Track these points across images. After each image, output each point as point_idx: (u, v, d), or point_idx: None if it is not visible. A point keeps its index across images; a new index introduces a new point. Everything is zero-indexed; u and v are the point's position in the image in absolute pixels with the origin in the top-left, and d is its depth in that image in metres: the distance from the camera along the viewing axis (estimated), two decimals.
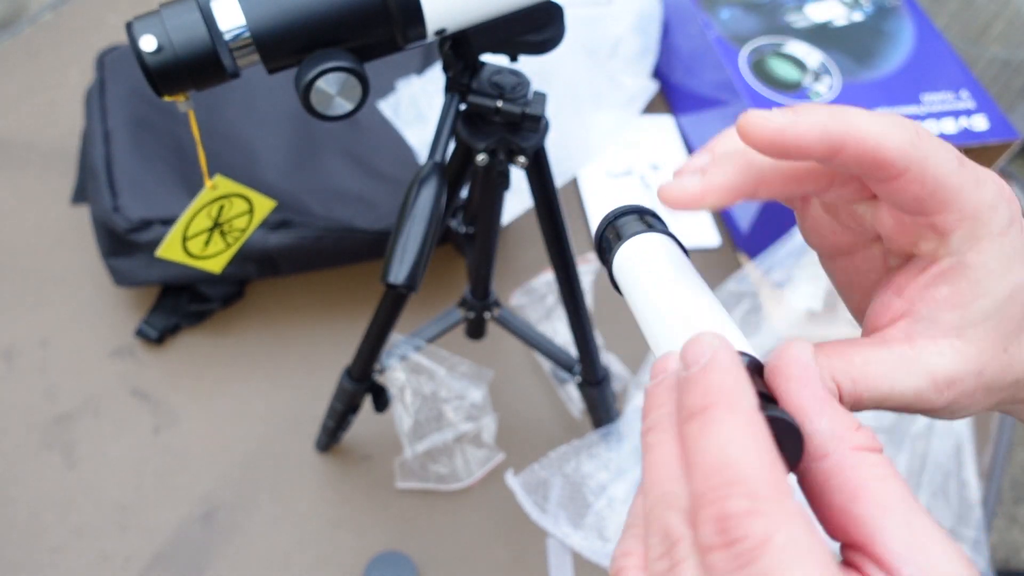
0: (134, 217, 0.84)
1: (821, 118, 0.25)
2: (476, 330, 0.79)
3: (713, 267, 1.00)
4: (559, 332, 0.92)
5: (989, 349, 0.27)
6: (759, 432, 0.21)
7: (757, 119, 0.25)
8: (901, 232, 0.28)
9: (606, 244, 0.34)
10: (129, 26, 0.43)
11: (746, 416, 0.21)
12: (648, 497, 0.22)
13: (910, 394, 0.26)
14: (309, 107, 0.46)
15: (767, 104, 0.94)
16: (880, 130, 0.25)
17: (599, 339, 0.91)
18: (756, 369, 0.26)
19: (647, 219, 0.34)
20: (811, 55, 0.99)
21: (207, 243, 0.57)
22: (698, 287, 0.30)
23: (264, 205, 0.57)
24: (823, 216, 0.32)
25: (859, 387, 0.26)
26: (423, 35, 0.46)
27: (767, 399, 0.24)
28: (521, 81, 0.53)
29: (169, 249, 0.56)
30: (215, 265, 0.58)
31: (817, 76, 0.97)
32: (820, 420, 0.23)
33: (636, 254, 0.32)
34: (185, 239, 0.55)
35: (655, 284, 0.30)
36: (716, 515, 0.20)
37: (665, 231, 0.33)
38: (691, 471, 0.21)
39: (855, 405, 0.26)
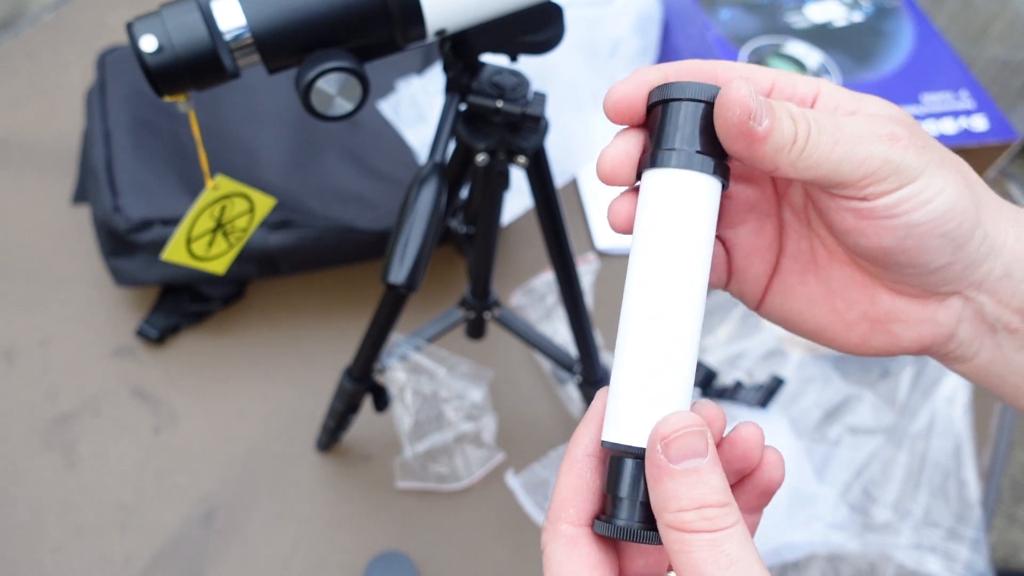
0: (134, 217, 0.84)
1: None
2: (476, 330, 0.79)
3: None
4: (559, 332, 0.92)
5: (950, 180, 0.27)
6: (571, 474, 0.29)
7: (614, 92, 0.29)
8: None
9: (658, 137, 0.28)
10: (130, 26, 0.43)
11: (569, 461, 0.29)
12: None
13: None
14: (309, 107, 0.46)
15: None
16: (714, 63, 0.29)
17: (599, 339, 0.91)
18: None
19: (705, 133, 0.27)
20: (811, 55, 0.99)
21: (211, 244, 0.57)
22: (697, 295, 0.28)
23: (264, 203, 0.57)
24: (739, 233, 0.33)
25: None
26: (423, 35, 0.46)
27: (620, 450, 0.28)
28: (521, 81, 0.53)
29: (174, 252, 0.56)
30: (219, 266, 0.59)
31: (817, 76, 0.97)
32: (652, 490, 0.26)
33: (674, 205, 0.27)
34: (189, 241, 0.56)
35: (667, 266, 0.27)
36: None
37: (723, 169, 0.28)
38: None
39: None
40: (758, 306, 0.33)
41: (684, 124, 0.27)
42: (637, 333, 0.27)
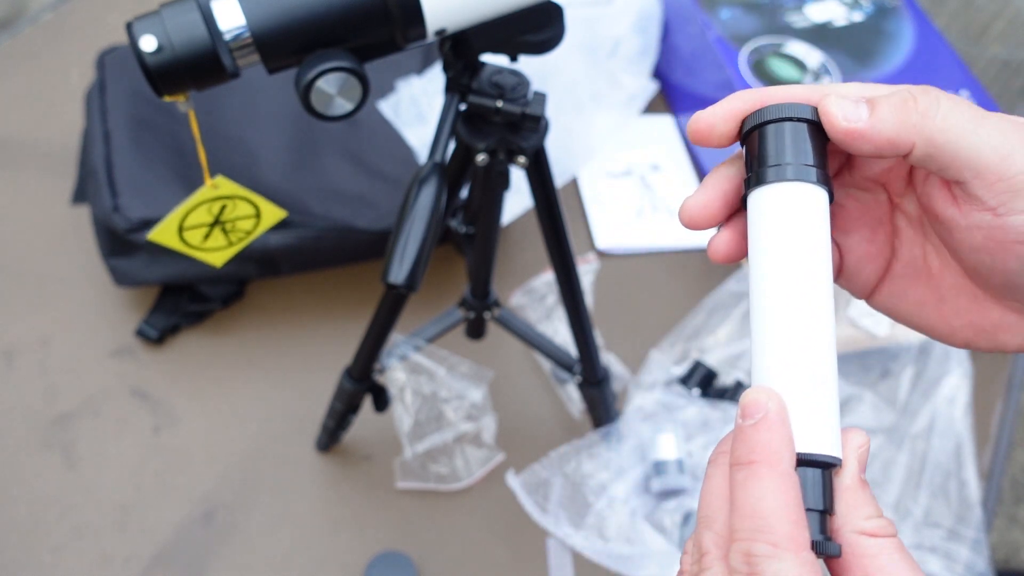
0: (134, 217, 0.84)
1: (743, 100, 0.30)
2: (476, 330, 0.79)
3: (713, 267, 1.00)
4: (559, 332, 0.92)
5: None
6: (790, 491, 0.25)
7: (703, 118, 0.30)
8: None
9: (761, 157, 0.29)
10: (129, 26, 0.43)
11: (781, 476, 0.26)
12: (697, 514, 0.28)
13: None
14: (309, 107, 0.46)
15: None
16: (785, 90, 0.30)
17: (599, 339, 0.91)
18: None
19: (805, 148, 0.29)
20: (811, 55, 0.99)
21: (206, 237, 0.57)
22: (825, 301, 0.28)
23: (273, 214, 0.57)
24: (852, 239, 0.33)
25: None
26: (423, 35, 0.46)
27: (809, 460, 0.27)
28: (521, 81, 0.53)
29: (162, 234, 0.55)
30: (215, 259, 0.59)
31: (817, 76, 0.97)
32: (836, 503, 0.26)
33: (789, 215, 0.28)
34: (182, 228, 0.55)
35: (787, 279, 0.28)
36: (745, 550, 0.25)
37: (827, 180, 0.29)
38: (732, 508, 0.26)
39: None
40: (866, 298, 0.34)
41: (787, 142, 0.29)
42: (797, 345, 0.27)
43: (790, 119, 0.29)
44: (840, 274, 0.33)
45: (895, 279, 0.33)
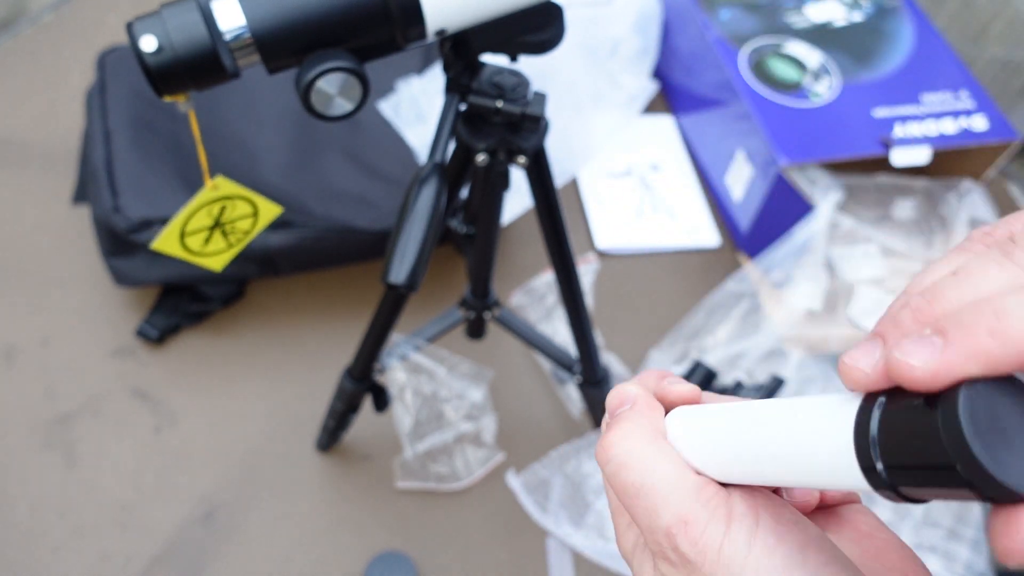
0: (134, 217, 0.84)
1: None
2: (476, 330, 0.79)
3: (713, 267, 1.00)
4: (559, 332, 0.92)
5: None
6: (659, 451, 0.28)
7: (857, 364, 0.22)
8: None
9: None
10: (130, 26, 0.43)
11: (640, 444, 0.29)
12: None
13: None
14: (309, 107, 0.46)
15: (766, 104, 0.94)
16: None
17: (599, 339, 0.91)
18: None
19: None
20: (811, 55, 0.99)
21: (207, 241, 0.57)
22: None
23: (269, 211, 0.57)
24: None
25: None
26: (423, 35, 0.46)
27: None
28: (521, 81, 0.53)
29: (165, 242, 0.55)
30: (215, 263, 0.58)
31: (817, 76, 0.97)
32: None
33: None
34: (183, 235, 0.55)
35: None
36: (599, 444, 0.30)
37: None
38: None
39: None
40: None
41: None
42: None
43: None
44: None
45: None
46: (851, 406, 0.22)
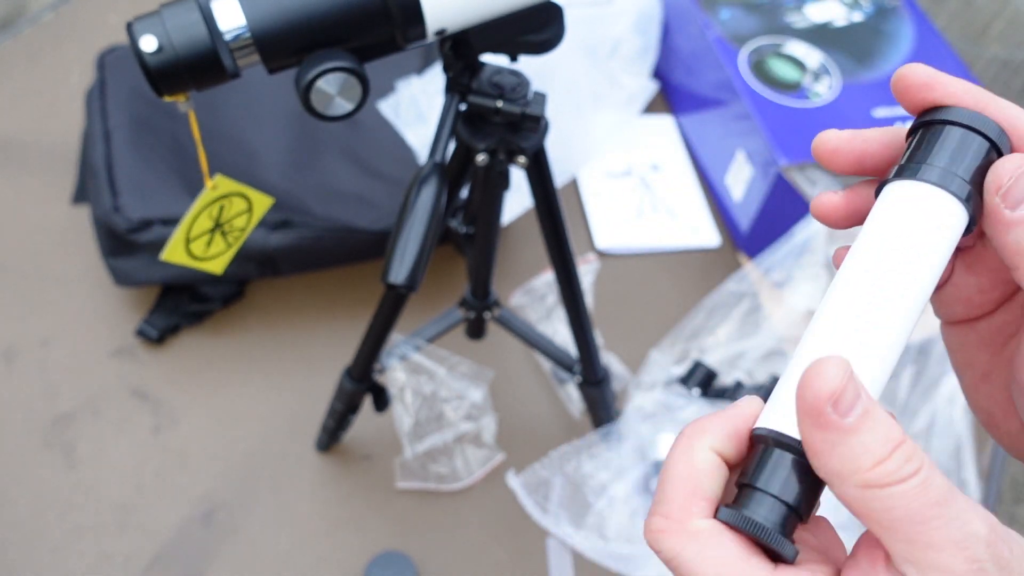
0: (134, 217, 0.84)
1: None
2: (476, 330, 0.79)
3: (713, 267, 1.00)
4: (559, 332, 0.92)
5: None
6: (697, 461, 0.25)
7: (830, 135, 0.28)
8: None
9: (922, 153, 0.27)
10: (130, 26, 0.43)
11: (691, 445, 0.25)
12: None
13: None
14: (309, 107, 0.46)
15: (766, 104, 0.94)
16: (1018, 109, 0.27)
17: (599, 339, 0.91)
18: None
19: (977, 171, 0.26)
20: (811, 55, 0.99)
21: (209, 244, 0.57)
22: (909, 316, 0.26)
23: (262, 202, 0.57)
24: (968, 279, 0.31)
25: None
26: (423, 35, 0.46)
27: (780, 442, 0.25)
28: (521, 81, 0.53)
29: (173, 252, 0.56)
30: (217, 266, 0.59)
31: (817, 76, 0.97)
32: (830, 460, 0.23)
33: (923, 215, 0.26)
34: (188, 241, 0.55)
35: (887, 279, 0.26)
36: (649, 525, 0.25)
37: (974, 210, 0.26)
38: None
39: None
40: (942, 322, 0.32)
41: (958, 151, 0.26)
42: (832, 337, 0.25)
43: (977, 131, 0.26)
44: (935, 291, 0.31)
45: (971, 332, 0.31)
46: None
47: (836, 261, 0.28)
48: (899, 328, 0.25)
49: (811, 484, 0.25)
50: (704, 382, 0.89)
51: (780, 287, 0.92)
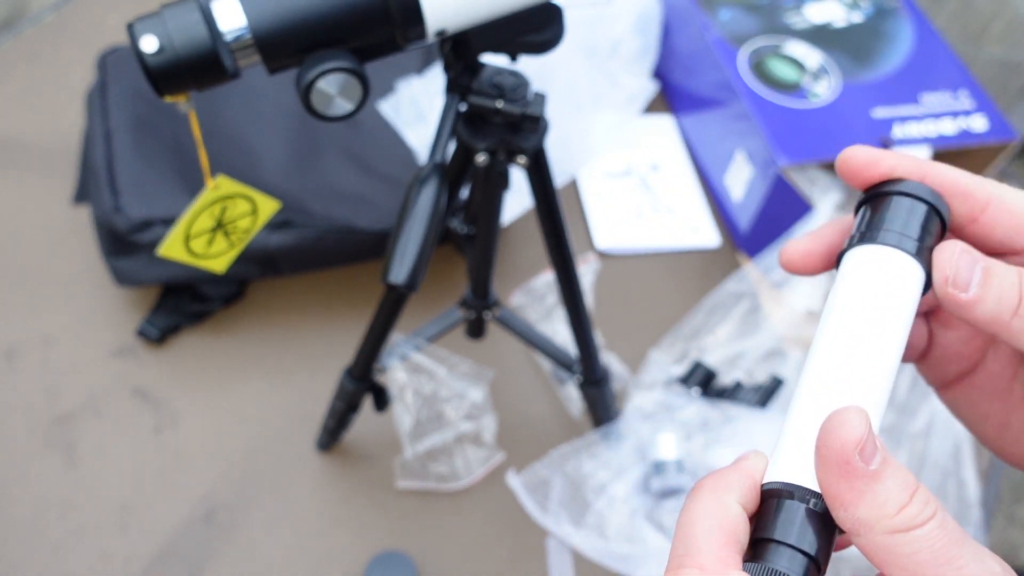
0: (135, 217, 0.84)
1: (904, 160, 0.30)
2: (476, 330, 0.80)
3: (713, 267, 1.00)
4: (559, 332, 0.92)
5: None
6: (726, 513, 0.25)
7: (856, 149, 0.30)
8: None
9: (879, 221, 0.30)
10: (130, 27, 0.43)
11: (718, 497, 0.25)
12: None
13: None
14: (310, 108, 0.46)
15: (766, 104, 0.94)
16: (953, 171, 0.29)
17: (599, 339, 0.91)
18: None
19: (927, 233, 0.29)
20: (810, 56, 0.99)
21: (210, 243, 0.57)
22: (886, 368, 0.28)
23: (268, 206, 0.57)
24: (949, 335, 0.33)
25: None
26: (423, 36, 0.47)
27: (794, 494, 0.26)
28: (521, 82, 0.53)
29: (171, 248, 0.56)
30: (219, 265, 0.59)
31: (816, 77, 0.97)
32: (857, 508, 0.24)
33: (884, 276, 0.29)
34: (188, 238, 0.56)
35: (863, 334, 0.28)
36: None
37: (923, 260, 0.29)
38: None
39: None
40: (937, 390, 0.33)
41: (908, 217, 0.29)
42: (829, 389, 0.27)
43: (919, 198, 0.30)
44: (923, 359, 0.33)
45: (973, 387, 0.32)
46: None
47: (788, 259, 0.31)
48: (889, 374, 0.28)
49: (828, 536, 0.26)
50: (704, 382, 0.89)
51: (780, 287, 0.93)
